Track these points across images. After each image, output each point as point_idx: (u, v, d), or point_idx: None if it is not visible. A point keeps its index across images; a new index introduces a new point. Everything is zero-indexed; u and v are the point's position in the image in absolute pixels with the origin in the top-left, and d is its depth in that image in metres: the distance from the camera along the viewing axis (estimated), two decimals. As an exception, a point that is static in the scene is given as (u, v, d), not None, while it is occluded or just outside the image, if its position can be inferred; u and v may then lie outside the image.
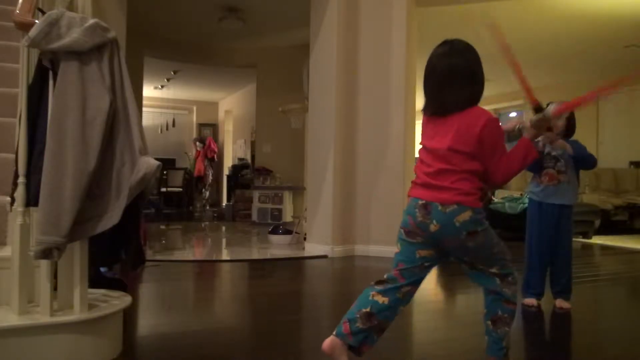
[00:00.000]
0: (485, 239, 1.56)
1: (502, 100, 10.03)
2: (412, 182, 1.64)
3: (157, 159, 1.76)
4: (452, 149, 1.53)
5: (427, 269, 1.64)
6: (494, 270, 1.61)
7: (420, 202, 1.55)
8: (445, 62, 1.59)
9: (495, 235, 1.61)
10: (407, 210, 1.61)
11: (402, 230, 1.63)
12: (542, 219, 2.68)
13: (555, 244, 2.67)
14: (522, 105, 9.69)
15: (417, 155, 1.71)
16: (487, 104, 10.06)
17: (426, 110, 1.64)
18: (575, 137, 2.73)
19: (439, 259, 1.64)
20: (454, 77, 1.57)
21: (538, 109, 1.77)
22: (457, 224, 1.51)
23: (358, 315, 1.60)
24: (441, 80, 1.58)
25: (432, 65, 1.62)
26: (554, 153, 2.65)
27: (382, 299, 1.63)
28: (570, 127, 2.67)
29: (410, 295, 1.66)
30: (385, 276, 1.66)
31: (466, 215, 1.50)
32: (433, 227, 1.53)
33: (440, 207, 1.51)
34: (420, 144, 1.66)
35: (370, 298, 1.63)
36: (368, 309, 1.61)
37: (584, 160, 2.66)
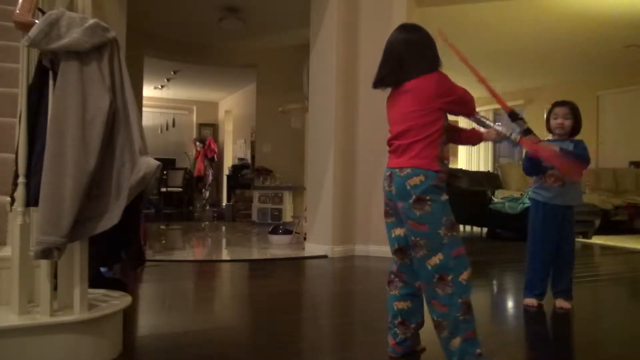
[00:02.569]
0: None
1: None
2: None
3: (157, 159, 1.76)
4: None
5: (405, 255, 1.74)
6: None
7: None
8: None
9: None
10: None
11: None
12: (546, 220, 2.67)
13: (558, 244, 2.66)
14: (522, 105, 9.69)
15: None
16: (486, 104, 10.07)
17: None
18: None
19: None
20: None
21: (512, 114, 2.02)
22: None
23: (395, 328, 1.78)
24: None
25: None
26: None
27: (404, 304, 1.76)
28: (576, 125, 2.66)
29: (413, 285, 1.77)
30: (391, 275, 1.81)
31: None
32: None
33: None
34: None
35: (395, 309, 1.77)
36: (399, 319, 1.76)
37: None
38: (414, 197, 1.60)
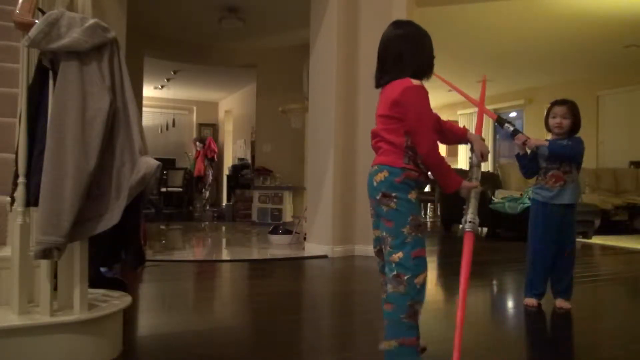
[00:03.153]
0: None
1: (502, 100, 10.04)
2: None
3: (157, 159, 1.76)
4: None
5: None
6: None
7: None
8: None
9: None
10: None
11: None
12: (546, 220, 2.66)
13: (558, 244, 2.66)
14: (522, 105, 9.70)
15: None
16: (488, 104, 10.06)
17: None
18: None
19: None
20: None
21: (499, 120, 2.28)
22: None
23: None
24: None
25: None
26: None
27: None
28: (575, 124, 2.66)
29: None
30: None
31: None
32: None
33: None
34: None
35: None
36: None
37: (567, 157, 2.63)
38: (380, 193, 1.65)
